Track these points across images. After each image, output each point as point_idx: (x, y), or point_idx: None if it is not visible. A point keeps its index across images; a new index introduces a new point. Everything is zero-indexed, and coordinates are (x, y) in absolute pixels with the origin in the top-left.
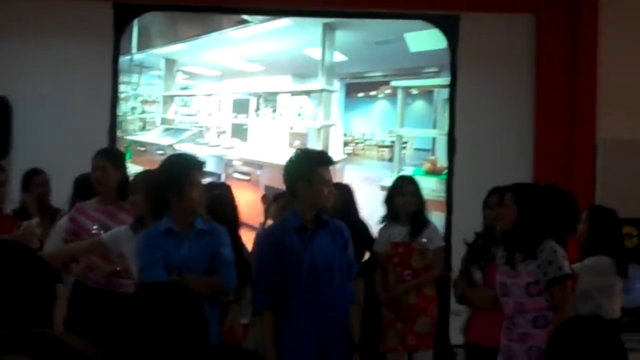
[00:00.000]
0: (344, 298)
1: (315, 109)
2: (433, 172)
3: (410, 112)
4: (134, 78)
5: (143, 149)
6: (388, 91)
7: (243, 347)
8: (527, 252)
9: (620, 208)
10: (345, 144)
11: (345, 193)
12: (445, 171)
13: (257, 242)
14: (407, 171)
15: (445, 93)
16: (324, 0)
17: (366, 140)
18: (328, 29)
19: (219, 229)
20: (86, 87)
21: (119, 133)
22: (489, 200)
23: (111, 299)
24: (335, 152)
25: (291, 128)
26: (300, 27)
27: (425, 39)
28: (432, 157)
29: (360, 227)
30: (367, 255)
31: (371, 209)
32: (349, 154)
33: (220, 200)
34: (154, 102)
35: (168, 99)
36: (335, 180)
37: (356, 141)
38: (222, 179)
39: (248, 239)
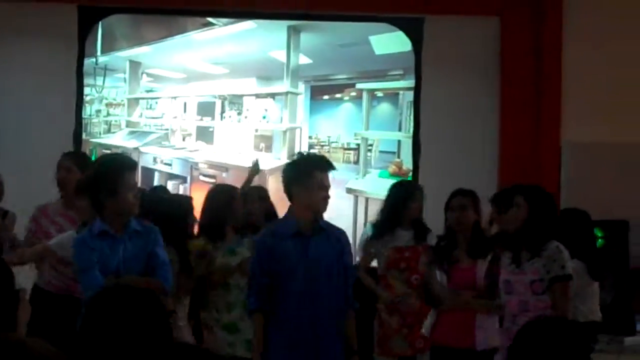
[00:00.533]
0: (340, 304)
1: (280, 111)
2: (398, 174)
3: (376, 114)
4: (99, 81)
5: (108, 151)
6: (353, 94)
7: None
8: (534, 250)
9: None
10: (311, 146)
11: None
12: (411, 173)
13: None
14: (373, 174)
15: (410, 95)
16: (288, 3)
17: (332, 142)
18: (293, 32)
19: (153, 229)
20: (51, 89)
21: (84, 136)
22: (451, 203)
23: (70, 303)
24: None
25: (256, 131)
26: (265, 30)
27: (390, 42)
28: (398, 160)
29: None
30: None
31: (337, 211)
32: None
33: (174, 213)
34: (118, 104)
35: (133, 102)
36: None
37: (322, 144)
38: (188, 182)
39: None
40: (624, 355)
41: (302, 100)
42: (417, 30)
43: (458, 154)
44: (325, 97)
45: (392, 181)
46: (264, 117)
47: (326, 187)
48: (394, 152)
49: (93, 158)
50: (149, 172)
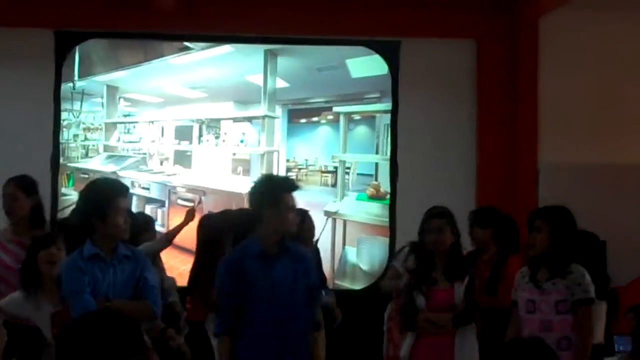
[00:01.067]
0: (304, 325)
1: (258, 135)
2: (376, 197)
3: (353, 137)
4: (76, 105)
5: (86, 176)
6: (330, 117)
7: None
8: (556, 272)
9: None
10: (288, 169)
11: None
12: (388, 196)
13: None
14: (351, 197)
15: (387, 118)
16: (265, 27)
17: (309, 165)
18: (270, 56)
19: (141, 253)
20: (28, 114)
21: (61, 160)
22: (429, 225)
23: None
24: None
25: (234, 154)
26: (242, 54)
27: (367, 65)
28: (375, 182)
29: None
30: None
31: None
32: None
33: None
34: (96, 129)
35: (110, 126)
36: None
37: (299, 167)
38: (166, 206)
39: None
40: None
41: (280, 123)
42: (394, 54)
43: (436, 176)
44: (303, 120)
45: (370, 204)
46: (242, 141)
47: (293, 207)
48: (371, 175)
49: (70, 183)
50: None
